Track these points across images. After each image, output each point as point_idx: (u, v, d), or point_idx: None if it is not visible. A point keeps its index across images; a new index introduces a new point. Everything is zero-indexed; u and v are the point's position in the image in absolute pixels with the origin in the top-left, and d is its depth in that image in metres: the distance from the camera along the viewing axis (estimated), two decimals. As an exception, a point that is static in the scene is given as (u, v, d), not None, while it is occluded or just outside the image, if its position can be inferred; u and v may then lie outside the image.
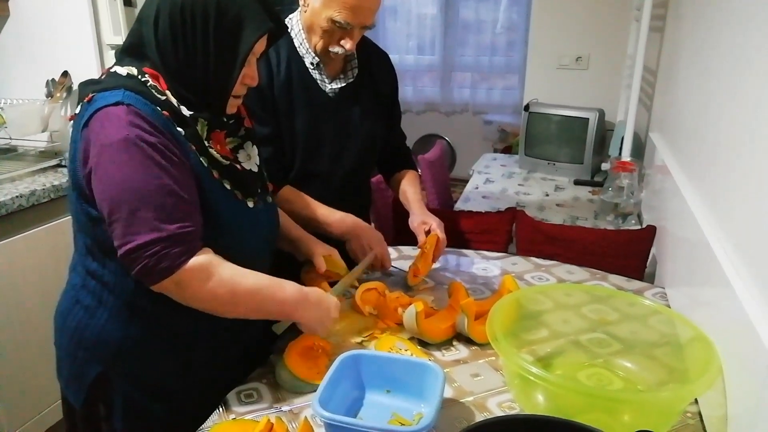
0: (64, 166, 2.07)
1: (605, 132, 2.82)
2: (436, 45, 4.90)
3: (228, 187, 1.01)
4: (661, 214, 1.75)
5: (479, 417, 0.97)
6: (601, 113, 2.73)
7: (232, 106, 1.03)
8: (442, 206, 2.64)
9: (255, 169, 1.10)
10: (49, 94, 2.04)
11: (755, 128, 0.99)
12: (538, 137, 2.84)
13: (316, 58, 1.42)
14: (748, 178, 0.99)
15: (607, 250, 1.71)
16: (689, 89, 1.63)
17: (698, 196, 1.35)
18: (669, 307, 1.33)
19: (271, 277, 1.01)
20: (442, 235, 1.48)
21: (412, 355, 1.09)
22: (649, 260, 1.75)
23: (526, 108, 2.86)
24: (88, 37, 2.01)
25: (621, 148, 2.37)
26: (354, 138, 1.51)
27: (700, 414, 0.99)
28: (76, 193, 0.95)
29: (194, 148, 0.96)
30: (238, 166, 1.04)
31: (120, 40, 2.03)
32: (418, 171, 1.75)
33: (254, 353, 1.14)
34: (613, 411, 0.92)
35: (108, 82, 0.93)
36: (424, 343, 1.17)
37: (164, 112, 0.92)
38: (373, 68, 1.53)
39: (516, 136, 3.76)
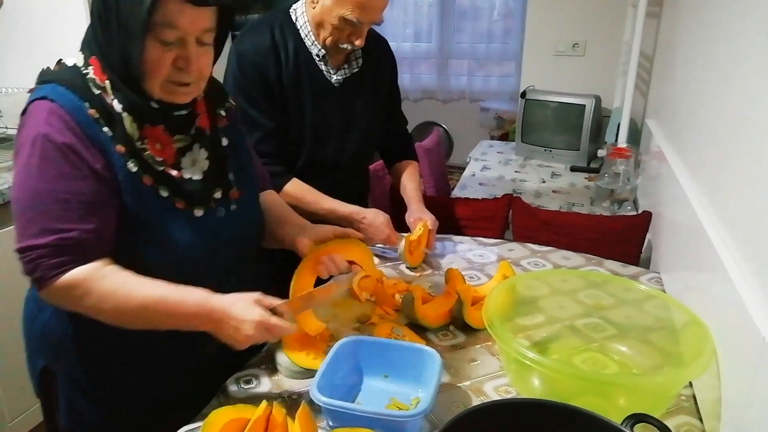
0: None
1: (601, 118, 2.82)
2: (433, 32, 4.87)
3: (165, 194, 0.92)
4: (657, 199, 1.76)
5: (476, 401, 0.98)
6: (598, 100, 2.72)
7: (173, 94, 0.91)
8: (439, 193, 2.64)
9: (198, 176, 0.97)
10: (43, 82, 2.03)
11: (752, 114, 0.99)
12: (534, 124, 2.84)
13: (322, 50, 1.43)
14: (744, 164, 1.00)
15: (603, 236, 1.72)
16: (686, 75, 1.63)
17: (694, 181, 1.36)
18: (664, 292, 1.34)
19: (176, 288, 0.88)
20: (433, 227, 1.51)
21: (409, 340, 1.10)
22: (644, 246, 1.76)
23: (523, 95, 2.85)
24: (82, 25, 1.98)
25: (617, 135, 2.37)
26: (357, 126, 1.54)
27: (694, 397, 1.00)
28: None
29: (123, 150, 0.88)
30: (174, 173, 0.93)
31: (114, 27, 2.01)
32: (417, 159, 1.76)
33: (209, 374, 1.04)
34: (609, 395, 0.93)
35: (49, 73, 0.91)
36: (421, 329, 1.17)
37: (91, 111, 0.86)
38: (374, 56, 1.55)
39: (513, 123, 3.76)
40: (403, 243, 1.45)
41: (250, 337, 0.88)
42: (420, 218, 1.51)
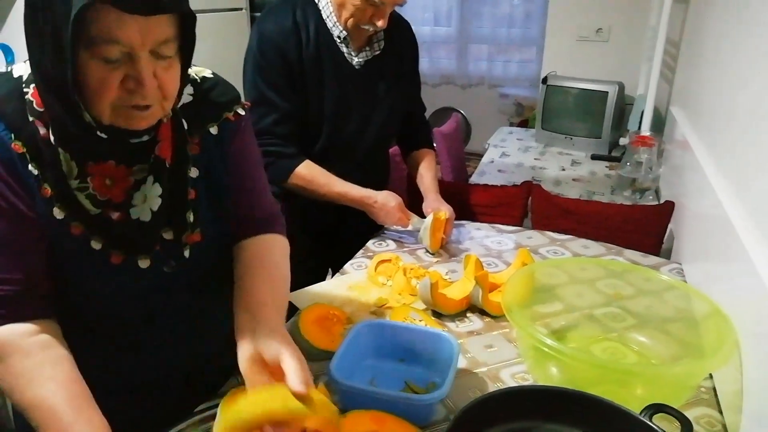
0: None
1: (624, 106, 2.76)
2: (453, 16, 4.81)
3: (97, 246, 0.78)
4: (680, 189, 1.73)
5: (492, 387, 0.98)
6: (621, 87, 2.67)
7: (128, 119, 0.73)
8: (457, 179, 2.62)
9: (147, 218, 0.81)
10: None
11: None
12: (555, 111, 2.79)
13: (344, 31, 1.42)
14: (773, 153, 0.97)
15: (624, 225, 1.69)
16: (714, 62, 1.59)
17: (720, 171, 1.33)
18: (685, 282, 1.32)
19: (74, 410, 0.70)
20: (450, 218, 1.51)
21: (426, 325, 1.10)
22: (666, 236, 1.73)
23: (544, 81, 2.81)
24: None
25: (640, 123, 2.32)
26: (378, 110, 1.53)
27: (714, 389, 0.99)
28: None
29: (49, 193, 0.74)
30: (117, 215, 0.78)
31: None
32: (435, 150, 1.74)
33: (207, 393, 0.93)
34: (627, 384, 0.92)
35: None
36: (438, 315, 1.17)
37: (16, 144, 0.72)
38: (395, 39, 1.53)
39: (532, 110, 3.71)
40: (428, 220, 1.44)
41: None
42: (437, 209, 1.51)
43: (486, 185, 1.93)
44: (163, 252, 0.84)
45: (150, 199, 0.81)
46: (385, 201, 1.47)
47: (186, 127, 0.84)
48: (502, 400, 0.80)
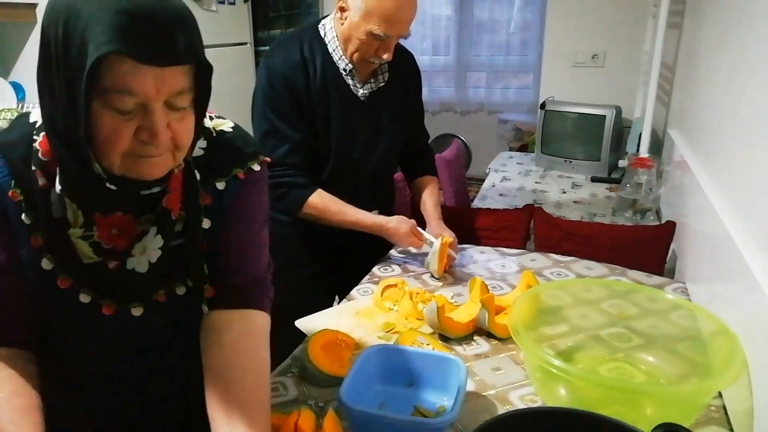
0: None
1: (622, 129, 2.80)
2: (451, 45, 4.90)
3: (86, 299, 0.78)
4: (681, 209, 1.74)
5: (501, 410, 0.98)
6: (618, 110, 2.71)
7: (140, 170, 0.71)
8: (459, 204, 2.64)
9: (143, 269, 0.78)
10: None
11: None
12: (554, 135, 2.83)
13: (350, 65, 1.46)
14: (771, 171, 0.99)
15: (626, 246, 1.70)
16: (709, 85, 1.62)
17: (719, 190, 1.35)
18: (691, 301, 1.32)
19: (18, 422, 0.71)
20: (453, 241, 1.52)
21: (434, 349, 1.10)
22: (668, 256, 1.74)
23: (542, 106, 2.85)
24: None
25: (638, 145, 2.36)
26: (383, 139, 1.56)
27: (724, 407, 0.99)
28: None
29: (37, 244, 0.74)
30: (113, 264, 0.77)
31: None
32: (437, 175, 1.77)
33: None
34: (636, 404, 0.92)
35: (11, 125, 0.78)
36: (445, 338, 1.18)
37: (13, 192, 0.73)
38: (399, 70, 1.57)
39: (531, 135, 3.75)
40: (436, 245, 1.46)
41: None
42: (440, 234, 1.52)
43: (488, 209, 1.95)
44: (177, 304, 0.82)
45: (149, 251, 0.78)
46: (397, 227, 1.50)
47: (198, 178, 0.81)
48: (511, 422, 0.80)
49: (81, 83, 0.63)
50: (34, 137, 0.74)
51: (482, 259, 1.60)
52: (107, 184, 0.71)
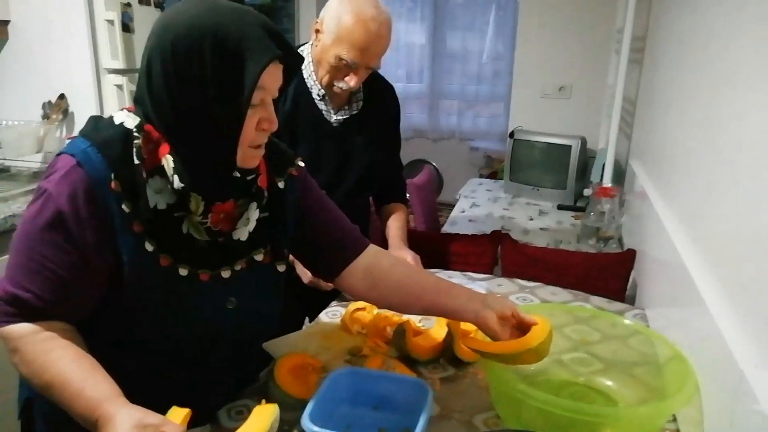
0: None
1: (587, 159, 2.90)
2: (424, 73, 5.01)
3: (185, 272, 0.88)
4: (641, 237, 1.81)
5: (465, 433, 1.00)
6: (583, 141, 2.81)
7: (252, 158, 0.88)
8: (429, 229, 2.67)
9: (244, 237, 0.94)
10: (46, 116, 2.06)
11: (728, 156, 1.05)
12: (522, 163, 2.91)
13: (322, 90, 1.48)
14: (722, 204, 1.05)
15: (589, 273, 1.75)
16: (665, 119, 1.71)
17: (675, 221, 1.41)
18: (648, 327, 1.37)
19: (84, 375, 0.80)
20: (414, 263, 1.51)
21: (400, 372, 1.12)
22: (629, 283, 1.79)
23: (511, 135, 2.93)
24: (86, 61, 2.05)
25: (602, 175, 2.44)
26: (354, 166, 1.58)
27: (678, 431, 1.02)
28: None
29: (139, 229, 0.84)
30: (221, 240, 0.91)
31: (117, 64, 2.07)
32: (407, 204, 1.79)
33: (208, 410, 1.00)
34: (596, 427, 0.95)
35: (97, 127, 0.87)
36: (412, 361, 1.19)
37: (113, 184, 0.82)
38: (377, 100, 1.60)
39: (501, 162, 3.84)
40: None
41: None
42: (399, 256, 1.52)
43: (457, 234, 1.98)
44: (255, 269, 0.96)
45: (251, 222, 0.94)
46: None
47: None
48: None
49: (239, 86, 0.78)
50: (135, 134, 0.84)
51: (450, 284, 1.62)
52: (234, 173, 0.87)
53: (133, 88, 2.11)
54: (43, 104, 2.07)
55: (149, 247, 0.85)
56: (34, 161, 2.10)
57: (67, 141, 0.88)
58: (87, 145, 0.83)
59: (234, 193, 0.90)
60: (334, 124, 1.53)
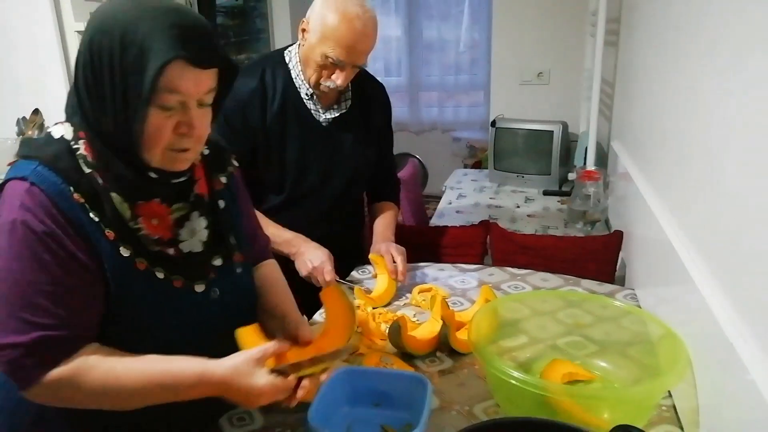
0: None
1: (570, 143, 2.92)
2: (402, 66, 5.00)
3: (161, 275, 0.88)
4: (627, 219, 1.83)
5: (466, 424, 1.00)
6: (565, 125, 2.83)
7: (174, 161, 0.86)
8: (418, 223, 2.68)
9: (198, 248, 0.93)
10: (21, 132, 2.03)
11: (707, 132, 1.06)
12: (506, 151, 2.92)
13: (311, 89, 1.48)
14: (703, 179, 1.06)
15: (579, 257, 1.77)
16: (644, 98, 1.73)
17: (659, 199, 1.43)
18: (640, 307, 1.39)
19: (170, 362, 0.84)
20: (391, 257, 1.51)
21: (398, 368, 1.12)
22: (618, 264, 1.82)
23: (493, 124, 2.95)
24: (58, 74, 2.02)
25: (585, 158, 2.46)
26: (344, 164, 1.59)
27: (674, 406, 1.04)
28: None
29: (112, 236, 0.83)
30: (171, 251, 0.89)
31: (90, 76, 2.04)
32: (398, 203, 1.79)
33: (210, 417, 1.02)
34: (593, 409, 0.96)
35: (34, 147, 0.84)
36: (409, 357, 1.20)
37: (76, 196, 0.80)
38: (366, 98, 1.61)
39: (485, 152, 3.85)
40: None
41: (261, 403, 0.86)
42: (378, 251, 1.54)
43: (446, 227, 1.99)
44: (218, 277, 0.95)
45: (198, 232, 0.93)
46: (307, 252, 1.47)
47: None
48: (476, 434, 0.82)
49: (140, 86, 0.76)
50: (74, 146, 0.83)
51: (442, 276, 1.64)
52: (149, 173, 0.85)
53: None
54: (18, 120, 2.04)
55: (125, 252, 0.84)
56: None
57: (7, 167, 0.83)
58: (35, 166, 0.80)
59: (161, 194, 0.88)
60: (323, 124, 1.54)
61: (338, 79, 1.43)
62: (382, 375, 1.04)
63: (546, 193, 2.72)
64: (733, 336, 0.82)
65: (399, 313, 1.36)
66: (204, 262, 0.94)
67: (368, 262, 1.58)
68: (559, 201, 2.61)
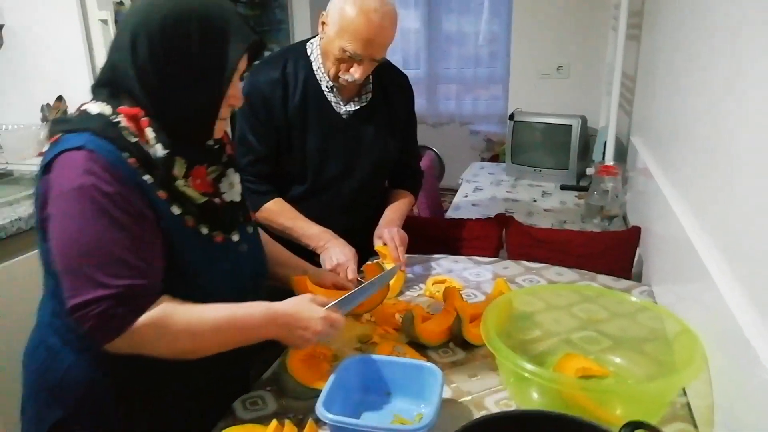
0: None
1: (588, 137, 2.89)
2: (421, 58, 4.98)
3: (205, 231, 0.97)
4: (645, 214, 1.81)
5: (477, 415, 1.01)
6: (584, 120, 2.79)
7: (219, 130, 0.98)
8: (433, 215, 2.68)
9: (237, 198, 1.05)
10: (45, 119, 2.07)
11: (728, 129, 1.04)
12: (523, 145, 2.90)
13: (331, 82, 1.49)
14: (724, 177, 1.05)
15: (595, 252, 1.76)
16: (666, 93, 1.70)
17: (679, 195, 1.41)
18: (656, 303, 1.37)
19: (237, 305, 0.95)
20: (399, 242, 1.51)
21: (410, 358, 1.13)
22: (635, 260, 1.80)
23: (511, 117, 2.92)
24: (81, 62, 2.04)
25: (604, 153, 2.43)
26: (365, 156, 1.59)
27: (688, 404, 1.03)
28: (41, 233, 0.90)
29: (164, 196, 0.91)
30: (218, 201, 1.00)
31: (113, 63, 2.06)
32: (415, 194, 1.78)
33: (231, 397, 1.06)
34: (606, 404, 0.96)
35: (76, 122, 0.90)
36: (421, 347, 1.20)
37: (131, 160, 0.87)
38: (389, 89, 1.61)
39: (502, 145, 3.83)
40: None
41: (319, 332, 0.98)
42: (379, 236, 1.55)
43: (461, 219, 1.99)
44: (242, 227, 1.06)
45: (235, 185, 1.05)
46: (333, 248, 1.46)
47: None
48: (486, 426, 0.82)
49: (224, 64, 0.90)
50: (114, 120, 0.89)
51: (457, 269, 1.63)
52: (208, 144, 0.99)
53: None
54: (42, 107, 2.07)
55: (176, 210, 0.92)
56: (35, 164, 2.10)
57: (52, 143, 0.88)
58: (88, 135, 0.86)
59: (209, 159, 0.99)
60: (344, 116, 1.54)
61: (356, 73, 1.43)
62: (394, 364, 1.04)
63: (563, 187, 2.70)
64: (752, 334, 0.81)
65: (413, 303, 1.37)
66: (242, 211, 1.06)
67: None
68: (576, 196, 2.59)
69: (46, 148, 0.91)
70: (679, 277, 1.27)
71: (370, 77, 1.53)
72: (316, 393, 0.96)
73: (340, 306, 1.04)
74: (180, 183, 0.93)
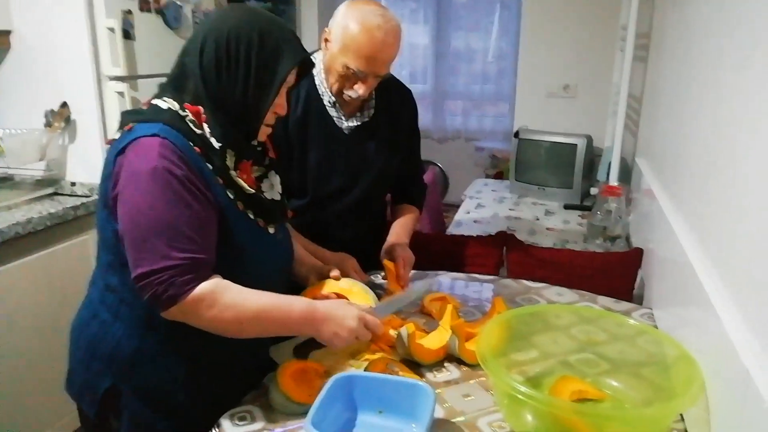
0: (61, 194, 2.10)
1: (593, 157, 2.88)
2: (428, 74, 5.01)
3: (252, 216, 1.08)
4: (648, 236, 1.79)
5: (470, 437, 0.99)
6: (589, 139, 2.79)
7: (263, 134, 1.12)
8: (435, 230, 2.67)
9: (278, 197, 1.17)
10: (48, 124, 2.07)
11: (732, 154, 1.03)
12: (528, 163, 2.89)
13: (333, 97, 1.48)
14: (727, 203, 1.03)
15: (596, 273, 1.74)
16: (671, 116, 1.69)
17: (682, 219, 1.39)
18: (656, 327, 1.35)
19: (281, 296, 1.05)
20: (406, 263, 1.50)
21: (404, 376, 1.11)
22: (637, 282, 1.78)
23: (516, 135, 2.92)
24: (87, 69, 2.05)
25: (608, 173, 2.42)
26: (367, 171, 1.58)
27: (686, 431, 1.01)
28: (107, 212, 1.01)
29: (221, 182, 1.03)
30: (263, 196, 1.12)
31: (119, 71, 2.07)
32: (420, 208, 1.77)
33: (266, 370, 1.15)
34: (602, 429, 0.94)
35: (148, 113, 1.01)
36: (415, 365, 1.18)
37: (196, 148, 0.99)
38: (393, 104, 1.59)
39: (507, 162, 3.82)
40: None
41: (353, 330, 1.07)
42: (387, 252, 1.53)
43: (462, 236, 1.98)
44: (280, 223, 1.18)
45: (275, 185, 1.18)
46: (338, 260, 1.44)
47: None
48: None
49: (273, 75, 1.03)
50: (182, 114, 1.01)
51: (456, 286, 1.62)
52: (253, 142, 1.11)
53: (135, 94, 2.11)
54: (46, 112, 2.08)
55: (230, 195, 1.04)
56: (37, 169, 2.11)
57: (126, 131, 1.00)
58: (160, 125, 0.98)
59: (254, 156, 1.11)
60: (346, 131, 1.53)
61: (360, 89, 1.42)
62: (387, 382, 1.03)
63: (567, 206, 2.69)
64: (751, 364, 0.79)
65: (409, 320, 1.35)
66: (281, 209, 1.18)
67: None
68: (579, 215, 2.57)
69: (117, 135, 1.02)
70: (680, 301, 1.25)
71: (373, 92, 1.53)
72: (305, 409, 0.94)
73: (377, 311, 1.15)
74: (233, 173, 1.05)
